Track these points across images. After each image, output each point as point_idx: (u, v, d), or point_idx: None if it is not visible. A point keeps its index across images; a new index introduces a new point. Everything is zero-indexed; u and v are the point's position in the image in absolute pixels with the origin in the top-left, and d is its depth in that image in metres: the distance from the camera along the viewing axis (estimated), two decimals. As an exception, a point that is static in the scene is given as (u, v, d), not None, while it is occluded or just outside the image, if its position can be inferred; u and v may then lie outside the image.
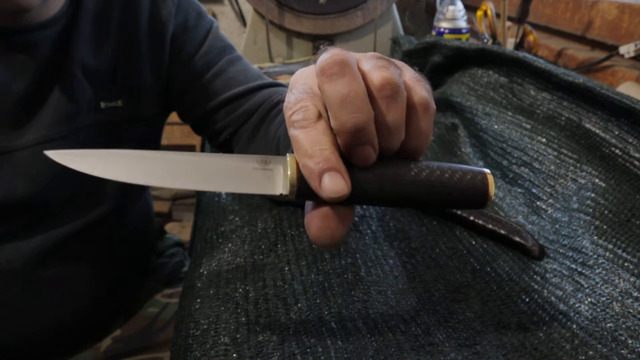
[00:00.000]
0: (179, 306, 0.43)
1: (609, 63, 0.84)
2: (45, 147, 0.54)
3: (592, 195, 0.48)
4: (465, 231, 0.50)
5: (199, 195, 0.64)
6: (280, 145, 0.50)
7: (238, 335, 0.35)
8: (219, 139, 0.62)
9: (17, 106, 0.52)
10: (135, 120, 0.61)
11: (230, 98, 0.60)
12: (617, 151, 0.48)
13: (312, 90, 0.29)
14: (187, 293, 0.42)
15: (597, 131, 0.51)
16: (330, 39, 1.18)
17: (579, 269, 0.43)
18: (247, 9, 1.67)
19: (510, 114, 0.61)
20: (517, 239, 0.47)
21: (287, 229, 0.46)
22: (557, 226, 0.48)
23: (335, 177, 0.27)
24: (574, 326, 0.37)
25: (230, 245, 0.46)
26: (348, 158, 0.29)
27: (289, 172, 0.28)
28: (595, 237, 0.44)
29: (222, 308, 0.38)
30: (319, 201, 0.29)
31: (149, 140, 0.66)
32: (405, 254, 0.46)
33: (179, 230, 1.72)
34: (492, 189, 0.30)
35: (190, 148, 1.84)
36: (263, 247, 0.45)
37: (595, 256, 0.43)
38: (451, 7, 0.99)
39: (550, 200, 0.51)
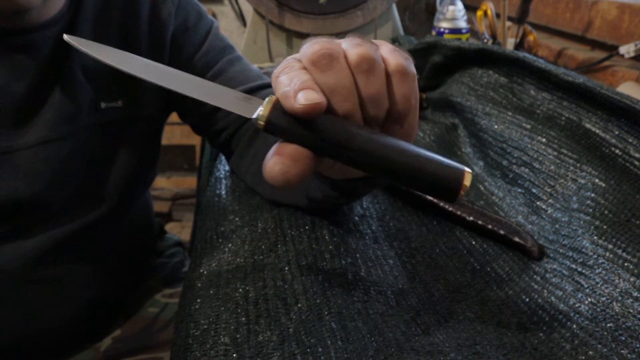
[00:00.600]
0: (179, 306, 0.43)
1: (609, 63, 0.84)
2: (45, 148, 0.54)
3: (592, 195, 0.48)
4: (465, 231, 0.50)
5: (199, 195, 0.64)
6: None
7: (238, 335, 0.35)
8: (218, 139, 0.62)
9: (17, 106, 0.52)
10: (136, 120, 0.61)
11: None
12: (617, 151, 0.48)
13: (294, 60, 0.32)
14: (187, 293, 0.42)
15: (597, 131, 0.51)
16: (330, 39, 1.18)
17: (579, 269, 0.43)
18: (247, 9, 1.67)
19: (510, 114, 0.61)
20: (517, 239, 0.47)
21: (288, 230, 0.46)
22: (557, 226, 0.48)
23: (310, 92, 0.29)
24: (574, 326, 0.37)
25: (230, 245, 0.46)
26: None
27: (264, 102, 0.31)
28: (595, 237, 0.44)
29: (222, 308, 0.38)
30: (286, 138, 0.31)
31: (150, 140, 0.66)
32: (405, 254, 0.46)
33: (179, 230, 1.72)
34: (464, 187, 0.30)
35: (190, 148, 1.84)
36: (263, 247, 0.45)
37: (595, 256, 0.43)
38: (451, 7, 0.98)
39: (550, 200, 0.51)
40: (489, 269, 0.45)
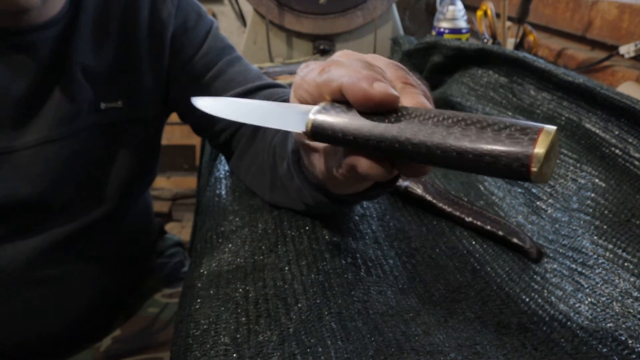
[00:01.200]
0: (179, 306, 0.43)
1: (609, 63, 0.84)
2: (45, 148, 0.54)
3: (592, 195, 0.48)
4: (465, 231, 0.50)
5: (199, 195, 0.64)
6: (276, 157, 0.49)
7: (238, 335, 0.35)
8: (218, 139, 0.62)
9: (17, 107, 0.52)
10: (136, 121, 0.61)
11: None
12: (617, 151, 0.48)
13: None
14: (187, 293, 0.42)
15: (597, 131, 0.51)
16: (330, 39, 1.18)
17: (579, 269, 0.43)
18: (247, 9, 1.67)
19: (510, 114, 0.61)
20: (515, 240, 0.47)
21: (288, 230, 0.46)
22: (557, 226, 0.48)
23: (385, 85, 0.30)
24: (574, 326, 0.37)
25: (230, 245, 0.46)
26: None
27: (310, 113, 0.32)
28: (595, 237, 0.44)
29: (222, 308, 0.38)
30: (333, 142, 0.31)
31: (150, 140, 0.66)
32: (405, 254, 0.46)
33: (179, 230, 1.72)
34: (535, 164, 0.24)
35: (190, 148, 1.84)
36: (263, 247, 0.45)
37: (595, 256, 0.43)
38: (451, 7, 0.99)
39: (550, 200, 0.51)
40: (489, 269, 0.45)
